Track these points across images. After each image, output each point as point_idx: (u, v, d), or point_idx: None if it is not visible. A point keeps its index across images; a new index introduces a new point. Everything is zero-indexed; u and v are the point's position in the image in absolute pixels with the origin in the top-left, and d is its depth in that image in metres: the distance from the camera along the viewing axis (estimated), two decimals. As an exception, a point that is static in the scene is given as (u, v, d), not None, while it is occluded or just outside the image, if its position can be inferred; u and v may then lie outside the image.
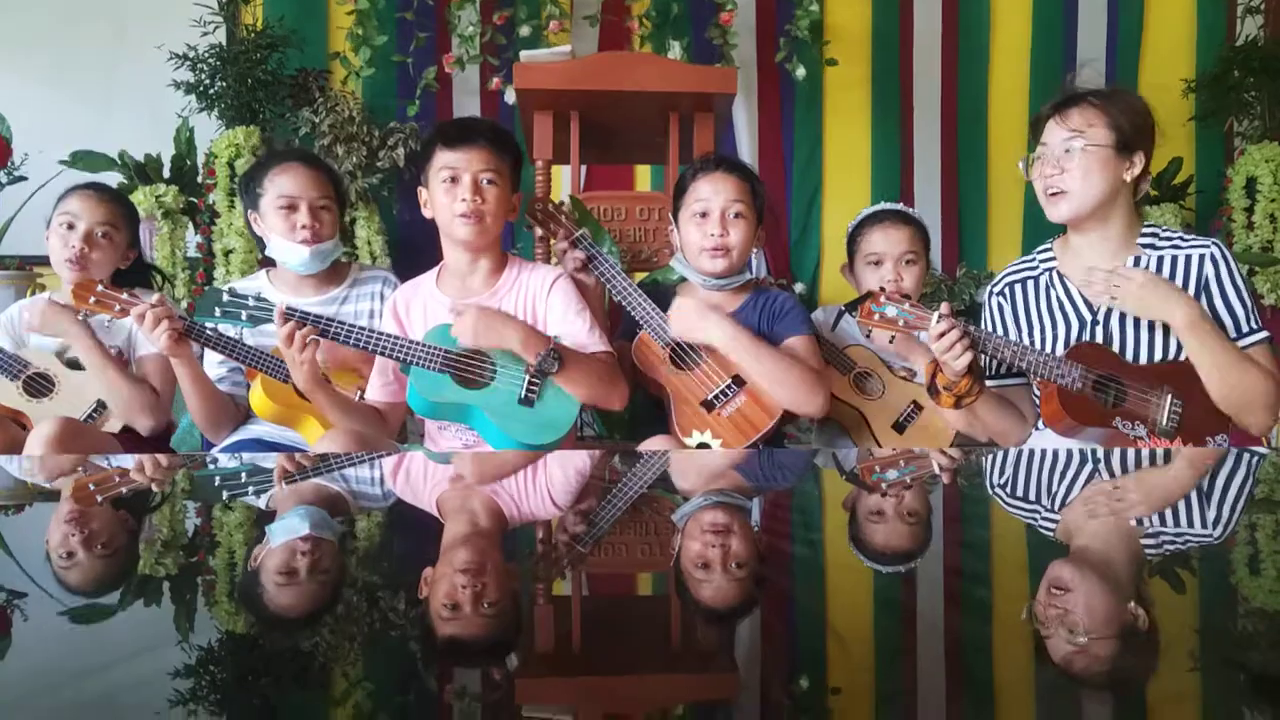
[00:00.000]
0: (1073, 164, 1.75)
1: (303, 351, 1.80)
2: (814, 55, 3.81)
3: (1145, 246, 1.81)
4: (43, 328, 2.13)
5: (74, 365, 2.18)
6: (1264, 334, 1.76)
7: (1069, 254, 1.88)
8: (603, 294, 2.19)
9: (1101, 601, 0.61)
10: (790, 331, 2.03)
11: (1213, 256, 1.77)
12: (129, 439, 2.14)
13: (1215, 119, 3.96)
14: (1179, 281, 1.77)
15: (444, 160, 1.94)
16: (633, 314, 2.03)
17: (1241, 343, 1.74)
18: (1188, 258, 1.78)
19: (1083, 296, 1.84)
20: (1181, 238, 1.81)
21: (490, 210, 1.94)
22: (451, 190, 1.93)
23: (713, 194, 2.04)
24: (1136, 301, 1.72)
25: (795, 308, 2.09)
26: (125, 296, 1.94)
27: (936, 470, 1.21)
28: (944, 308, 1.74)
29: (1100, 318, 1.81)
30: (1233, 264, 1.77)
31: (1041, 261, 1.92)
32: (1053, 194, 1.78)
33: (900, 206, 2.37)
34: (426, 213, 2.01)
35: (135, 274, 2.30)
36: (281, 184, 2.08)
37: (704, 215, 2.04)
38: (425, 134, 2.12)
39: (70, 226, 2.17)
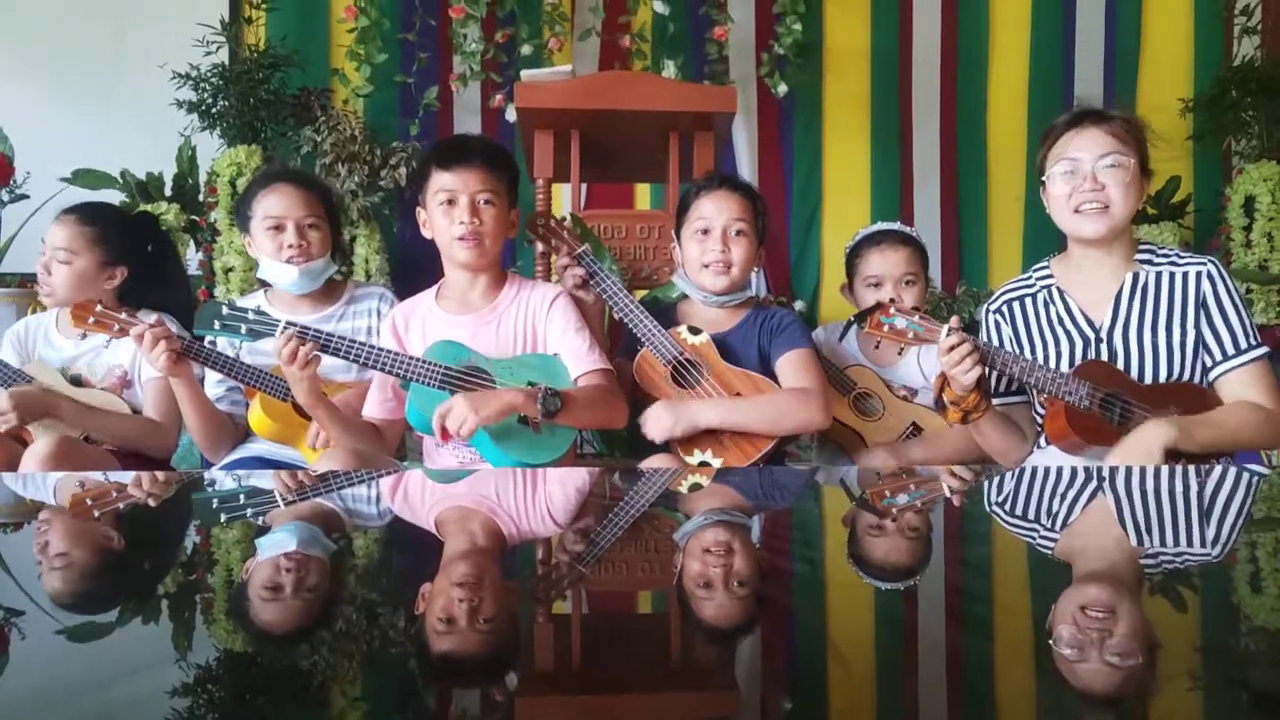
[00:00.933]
0: (1112, 180, 1.75)
1: (304, 369, 1.80)
2: (802, 74, 3.83)
3: (1142, 263, 1.82)
4: (19, 414, 1.99)
5: (78, 382, 2.17)
6: (1263, 349, 1.75)
7: (1069, 270, 1.88)
8: (602, 312, 2.19)
9: (1101, 620, 0.60)
10: (788, 346, 2.03)
11: (1209, 274, 1.77)
12: (128, 456, 2.13)
13: (1213, 138, 3.97)
14: (1178, 298, 1.77)
15: (440, 182, 1.94)
16: (634, 331, 2.03)
17: (1241, 359, 1.74)
18: (1184, 275, 1.79)
19: (1083, 313, 1.84)
20: (1178, 255, 1.82)
21: (489, 231, 1.94)
22: (449, 212, 1.93)
23: (715, 212, 2.05)
24: (1142, 451, 1.63)
25: (794, 323, 2.10)
26: (124, 316, 1.94)
27: (941, 489, 1.20)
28: (954, 321, 1.74)
29: (1103, 334, 1.81)
30: (1230, 281, 1.77)
31: (1038, 279, 1.92)
32: (1091, 208, 1.75)
33: (898, 226, 2.36)
34: (426, 233, 2.01)
35: (170, 293, 2.28)
36: (268, 205, 2.09)
37: (706, 232, 2.05)
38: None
39: (42, 253, 2.18)
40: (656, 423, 1.92)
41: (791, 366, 2.01)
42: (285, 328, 1.81)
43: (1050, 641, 0.54)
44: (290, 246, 2.06)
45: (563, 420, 1.83)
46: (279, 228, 2.07)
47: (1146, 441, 1.62)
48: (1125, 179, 1.74)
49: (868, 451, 2.17)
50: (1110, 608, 0.63)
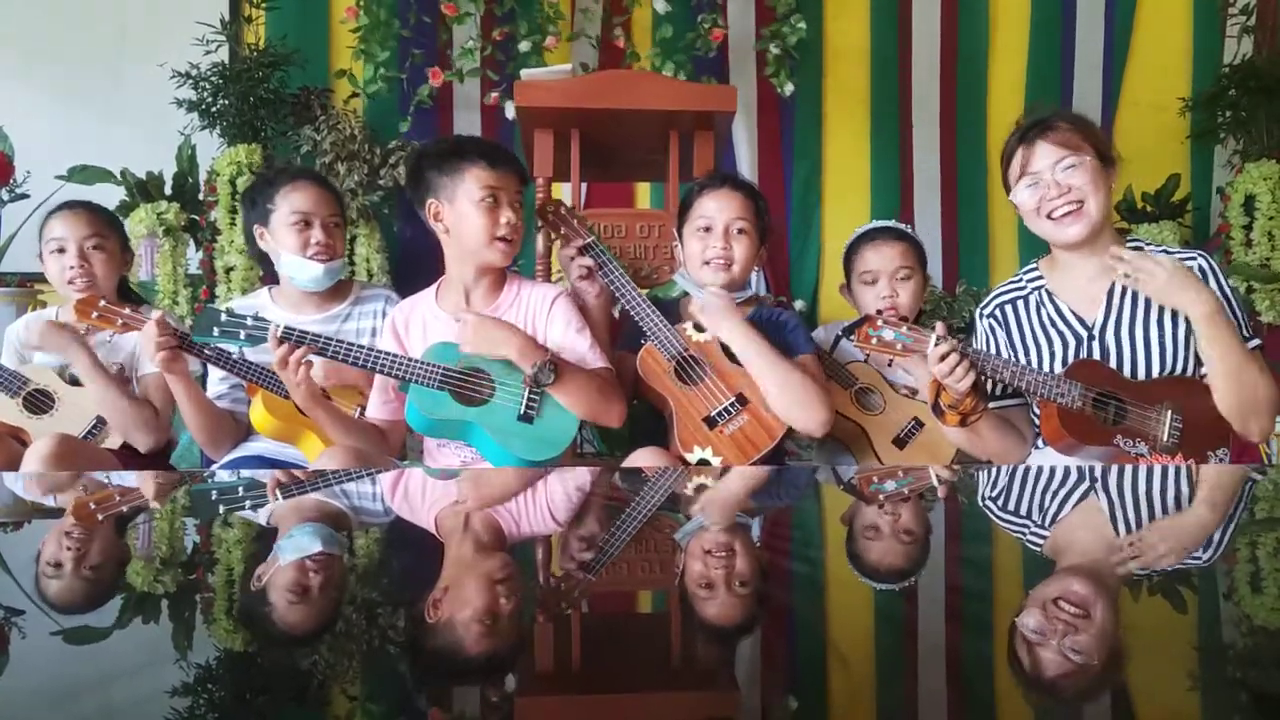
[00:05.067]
0: (1077, 182, 1.76)
1: (297, 373, 1.80)
2: (804, 73, 3.81)
3: None
4: (42, 345, 2.13)
5: (75, 382, 2.18)
6: (1257, 342, 1.76)
7: (1058, 272, 1.89)
8: (607, 305, 2.18)
9: (1086, 620, 0.60)
10: (794, 349, 2.03)
11: (1200, 268, 1.78)
12: (128, 455, 2.13)
13: (1212, 137, 3.97)
14: None
15: (484, 179, 1.93)
16: (640, 324, 2.03)
17: None
18: None
19: (1075, 313, 1.84)
20: (1167, 250, 1.83)
21: (520, 233, 1.98)
22: (494, 211, 1.93)
23: (717, 210, 2.05)
24: (1161, 289, 1.70)
25: (799, 326, 2.10)
26: (127, 312, 1.94)
27: (936, 487, 1.20)
28: (940, 328, 1.74)
29: (1096, 333, 1.81)
30: (1221, 275, 1.79)
31: (1029, 281, 1.93)
32: (1063, 215, 1.77)
33: (892, 223, 2.38)
34: (439, 226, 1.99)
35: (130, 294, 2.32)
36: (295, 200, 2.10)
37: (708, 230, 2.05)
38: (434, 146, 2.10)
39: (61, 250, 2.18)
40: (709, 308, 1.97)
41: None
42: (283, 335, 1.81)
43: (1025, 632, 0.54)
44: (317, 243, 2.08)
45: (555, 395, 1.85)
46: (306, 223, 2.09)
47: (1188, 295, 1.68)
48: (1088, 176, 1.76)
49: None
50: (1089, 608, 0.63)
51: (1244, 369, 1.69)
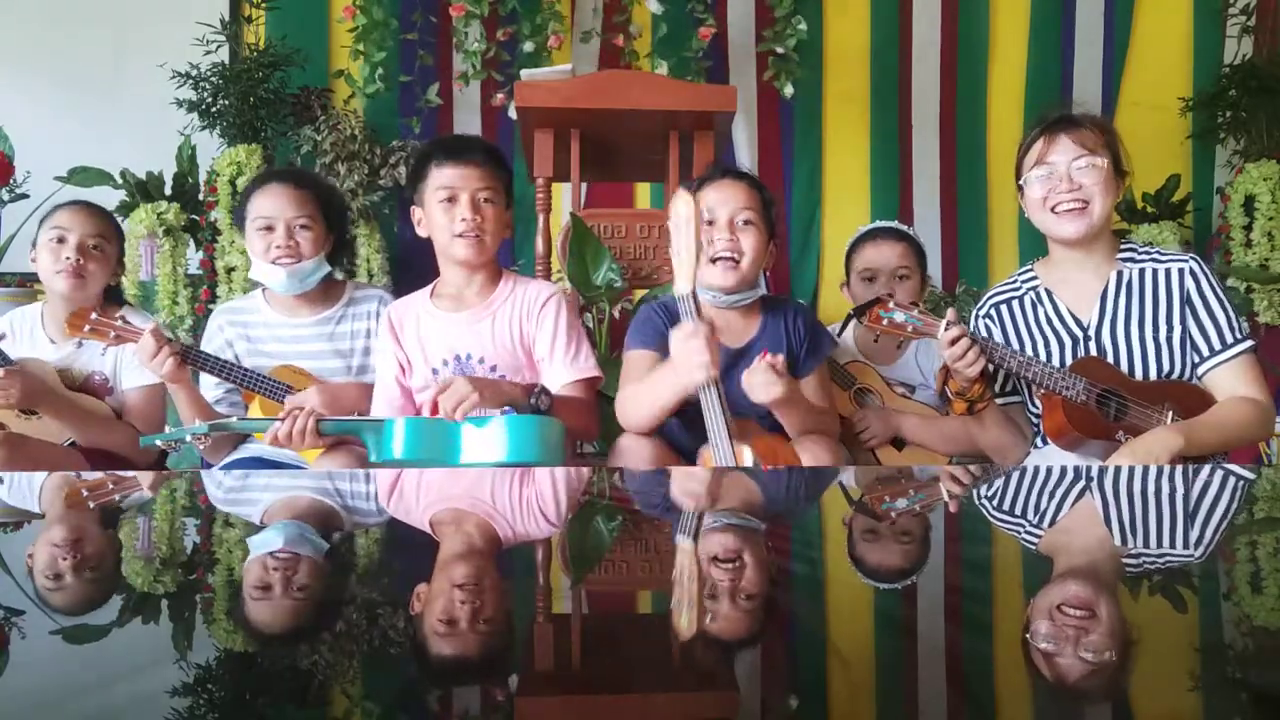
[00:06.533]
0: (1089, 181, 1.77)
1: (304, 441, 1.78)
2: (804, 74, 3.81)
3: (1124, 261, 1.84)
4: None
5: (71, 385, 2.17)
6: (1249, 343, 1.77)
7: (1053, 272, 1.90)
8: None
9: (1080, 619, 0.60)
10: (813, 365, 1.97)
11: (1192, 271, 1.79)
12: (96, 455, 2.11)
13: (1212, 137, 3.97)
14: (1162, 295, 1.80)
15: (441, 179, 1.92)
16: (706, 424, 1.79)
17: (1229, 354, 1.75)
18: (1167, 272, 1.81)
19: (1071, 312, 1.85)
20: (1160, 252, 1.84)
21: (489, 228, 1.93)
22: (450, 209, 1.92)
23: (719, 202, 1.92)
24: (1150, 459, 1.63)
25: (821, 332, 2.05)
26: (120, 324, 1.94)
27: (940, 488, 1.20)
28: (951, 314, 1.75)
29: (1091, 333, 1.82)
30: (1211, 277, 1.80)
31: (1024, 282, 1.94)
32: (1069, 210, 1.78)
33: (894, 224, 2.41)
34: (422, 231, 2.00)
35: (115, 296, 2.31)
36: (260, 205, 2.07)
37: (710, 224, 1.91)
38: (418, 150, 2.12)
39: (61, 240, 2.15)
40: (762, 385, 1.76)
41: (809, 390, 1.95)
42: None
43: (1028, 636, 0.54)
44: (277, 247, 2.04)
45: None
46: (269, 228, 2.05)
47: (1155, 450, 1.62)
48: (1100, 178, 1.77)
49: (861, 410, 2.18)
50: (1089, 606, 0.63)
51: (1231, 436, 1.74)
